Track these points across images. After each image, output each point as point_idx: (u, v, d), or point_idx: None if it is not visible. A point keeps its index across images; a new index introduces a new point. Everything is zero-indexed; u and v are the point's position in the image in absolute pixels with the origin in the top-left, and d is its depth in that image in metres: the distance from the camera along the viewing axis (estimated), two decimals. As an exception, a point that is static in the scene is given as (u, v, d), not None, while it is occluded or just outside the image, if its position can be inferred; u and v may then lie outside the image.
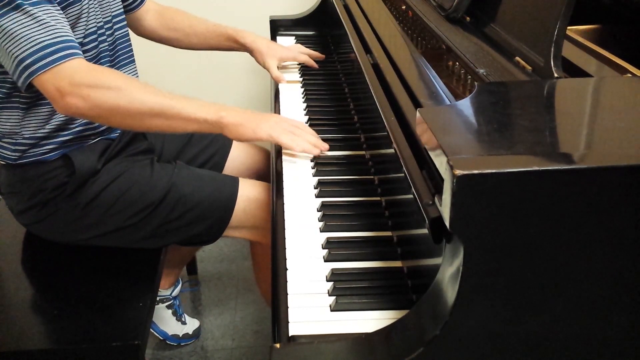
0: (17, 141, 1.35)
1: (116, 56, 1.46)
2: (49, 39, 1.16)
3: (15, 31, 1.16)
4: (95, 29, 1.37)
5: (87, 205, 1.37)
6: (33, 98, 1.31)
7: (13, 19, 1.16)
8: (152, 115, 1.21)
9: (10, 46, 1.17)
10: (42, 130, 1.34)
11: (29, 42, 1.16)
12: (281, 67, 1.74)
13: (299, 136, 1.30)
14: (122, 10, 1.48)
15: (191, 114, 1.22)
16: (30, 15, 1.16)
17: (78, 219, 1.38)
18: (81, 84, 1.17)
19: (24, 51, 1.16)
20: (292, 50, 1.75)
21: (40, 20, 1.17)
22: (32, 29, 1.16)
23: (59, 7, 1.23)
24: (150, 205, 1.37)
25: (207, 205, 1.39)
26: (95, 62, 1.38)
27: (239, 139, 1.27)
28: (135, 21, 1.65)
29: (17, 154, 1.35)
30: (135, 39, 1.55)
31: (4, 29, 1.16)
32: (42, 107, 1.33)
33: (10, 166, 1.38)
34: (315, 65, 1.74)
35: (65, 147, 1.37)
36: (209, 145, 1.66)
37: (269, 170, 1.48)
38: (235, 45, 1.70)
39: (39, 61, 1.16)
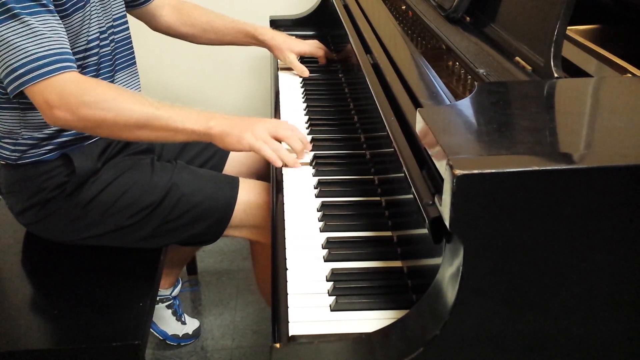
0: (17, 141, 1.35)
1: (117, 60, 1.45)
2: (42, 51, 1.16)
3: (10, 40, 1.15)
4: (97, 34, 1.37)
5: (87, 204, 1.37)
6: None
7: (9, 27, 1.15)
8: (139, 127, 1.21)
9: (3, 54, 1.16)
10: (42, 132, 1.34)
11: (23, 53, 1.15)
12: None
13: (284, 137, 1.28)
14: (124, 13, 1.48)
15: (179, 124, 1.22)
16: (27, 26, 1.16)
17: (78, 219, 1.38)
18: (69, 97, 1.17)
19: (16, 61, 1.15)
20: (310, 45, 1.77)
21: (36, 30, 1.16)
22: (27, 39, 1.15)
23: (58, 17, 1.22)
24: (151, 205, 1.37)
25: (208, 205, 1.39)
26: (96, 67, 1.38)
27: (227, 148, 1.26)
28: (150, 16, 1.64)
29: (17, 154, 1.35)
30: (136, 41, 1.55)
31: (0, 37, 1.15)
32: None
33: (10, 166, 1.38)
34: (323, 60, 1.77)
35: (65, 147, 1.37)
36: (209, 146, 1.65)
37: (269, 170, 1.48)
38: (253, 41, 1.72)
39: (31, 72, 1.16)
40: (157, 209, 1.38)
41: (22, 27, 1.15)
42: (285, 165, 1.27)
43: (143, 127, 1.21)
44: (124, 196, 1.37)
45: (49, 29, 1.18)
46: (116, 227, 1.39)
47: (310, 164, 1.30)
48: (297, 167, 1.27)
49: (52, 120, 1.21)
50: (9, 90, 1.19)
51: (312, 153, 1.33)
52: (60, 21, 1.23)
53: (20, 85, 1.17)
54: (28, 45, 1.15)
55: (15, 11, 1.15)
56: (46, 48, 1.16)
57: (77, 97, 1.18)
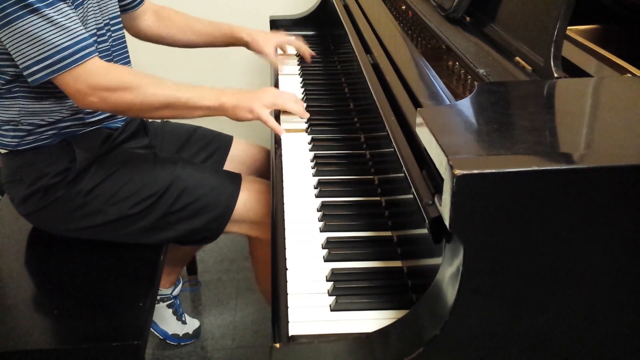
0: (17, 127, 1.36)
1: (113, 58, 1.46)
2: (66, 41, 1.21)
3: (32, 33, 1.20)
4: (94, 31, 1.38)
5: (89, 192, 1.38)
6: (36, 90, 1.32)
7: (30, 21, 1.19)
8: (162, 108, 1.32)
9: (26, 47, 1.21)
10: (41, 119, 1.36)
11: (47, 44, 1.20)
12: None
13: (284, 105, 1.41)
14: (118, 12, 1.49)
15: (197, 103, 1.33)
16: (46, 18, 1.20)
17: (79, 207, 1.39)
18: (99, 87, 1.25)
19: (41, 52, 1.21)
20: (289, 37, 1.77)
21: (56, 22, 1.21)
22: (49, 31, 1.20)
23: (72, 5, 1.26)
24: (154, 194, 1.39)
25: (210, 198, 1.41)
26: None
27: (238, 120, 1.36)
28: (132, 21, 1.66)
29: (16, 140, 1.37)
30: (131, 40, 1.56)
31: (21, 31, 1.20)
32: (45, 100, 1.34)
33: (11, 153, 1.39)
34: (308, 58, 1.76)
35: (65, 133, 1.39)
36: (209, 144, 1.67)
37: (269, 168, 1.48)
38: (230, 40, 1.72)
39: (58, 63, 1.22)
40: (160, 199, 1.39)
41: (42, 20, 1.20)
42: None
43: (166, 108, 1.32)
44: (127, 185, 1.39)
45: (67, 18, 1.23)
46: (118, 217, 1.39)
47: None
48: (306, 116, 1.43)
49: (84, 107, 1.31)
50: (32, 79, 1.24)
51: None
52: (73, 9, 1.26)
53: (48, 74, 1.22)
54: (51, 37, 1.20)
55: (35, 6, 1.19)
56: (69, 37, 1.22)
57: (106, 86, 1.26)
